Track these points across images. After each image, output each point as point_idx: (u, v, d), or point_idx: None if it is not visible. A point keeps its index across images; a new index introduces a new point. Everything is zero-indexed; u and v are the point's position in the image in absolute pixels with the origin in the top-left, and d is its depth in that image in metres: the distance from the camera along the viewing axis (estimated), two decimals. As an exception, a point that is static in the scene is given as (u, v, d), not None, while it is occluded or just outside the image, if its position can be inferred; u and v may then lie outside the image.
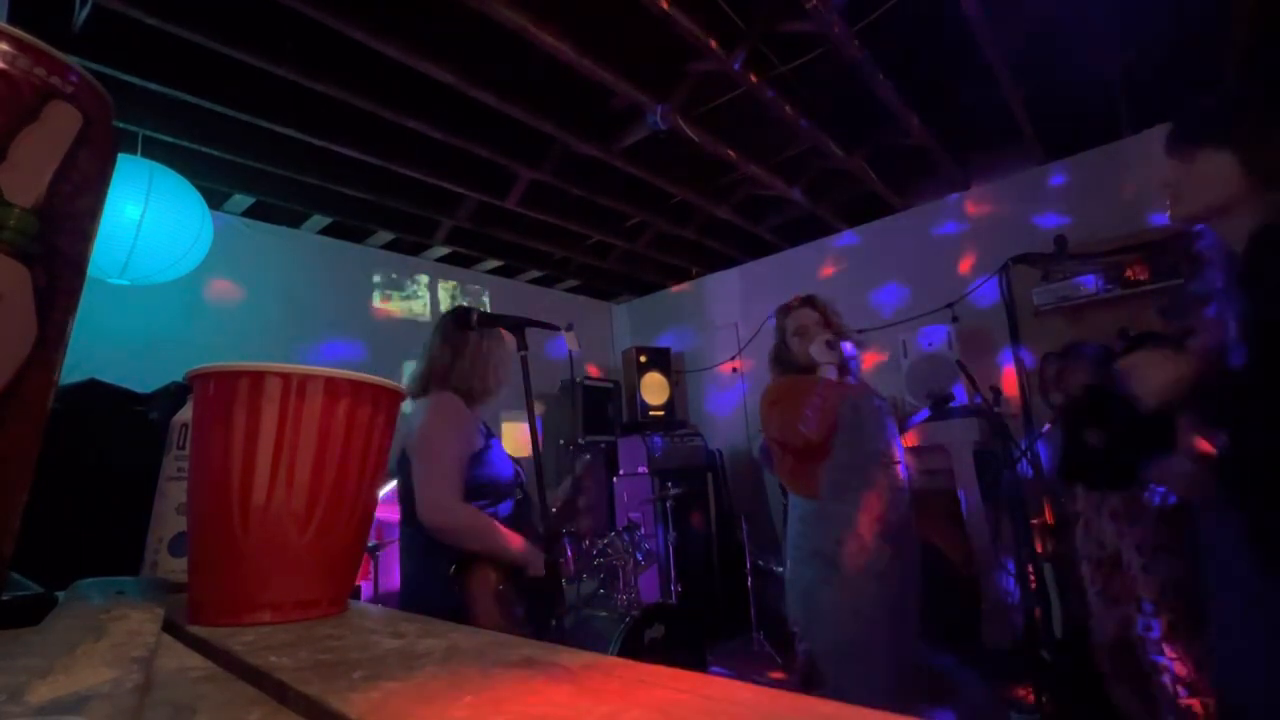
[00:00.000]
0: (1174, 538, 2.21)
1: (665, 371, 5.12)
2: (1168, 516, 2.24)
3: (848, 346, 2.16)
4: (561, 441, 4.97)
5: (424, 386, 1.71)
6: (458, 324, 1.75)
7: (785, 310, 2.29)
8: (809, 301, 2.27)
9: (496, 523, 1.58)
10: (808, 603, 2.02)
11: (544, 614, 1.62)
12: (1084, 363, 2.63)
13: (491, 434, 1.74)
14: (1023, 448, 3.09)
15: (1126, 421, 2.35)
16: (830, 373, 2.13)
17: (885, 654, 1.92)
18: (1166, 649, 2.16)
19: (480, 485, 1.63)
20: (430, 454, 1.56)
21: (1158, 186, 1.34)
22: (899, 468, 2.09)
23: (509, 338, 1.77)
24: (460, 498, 1.55)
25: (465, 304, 3.18)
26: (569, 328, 1.87)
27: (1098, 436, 2.50)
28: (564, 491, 2.06)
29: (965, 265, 4.05)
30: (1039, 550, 3.05)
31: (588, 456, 2.25)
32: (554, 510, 1.94)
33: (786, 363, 2.23)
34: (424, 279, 4.70)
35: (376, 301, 4.41)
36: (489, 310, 3.36)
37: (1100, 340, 2.84)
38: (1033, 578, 2.77)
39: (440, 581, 1.52)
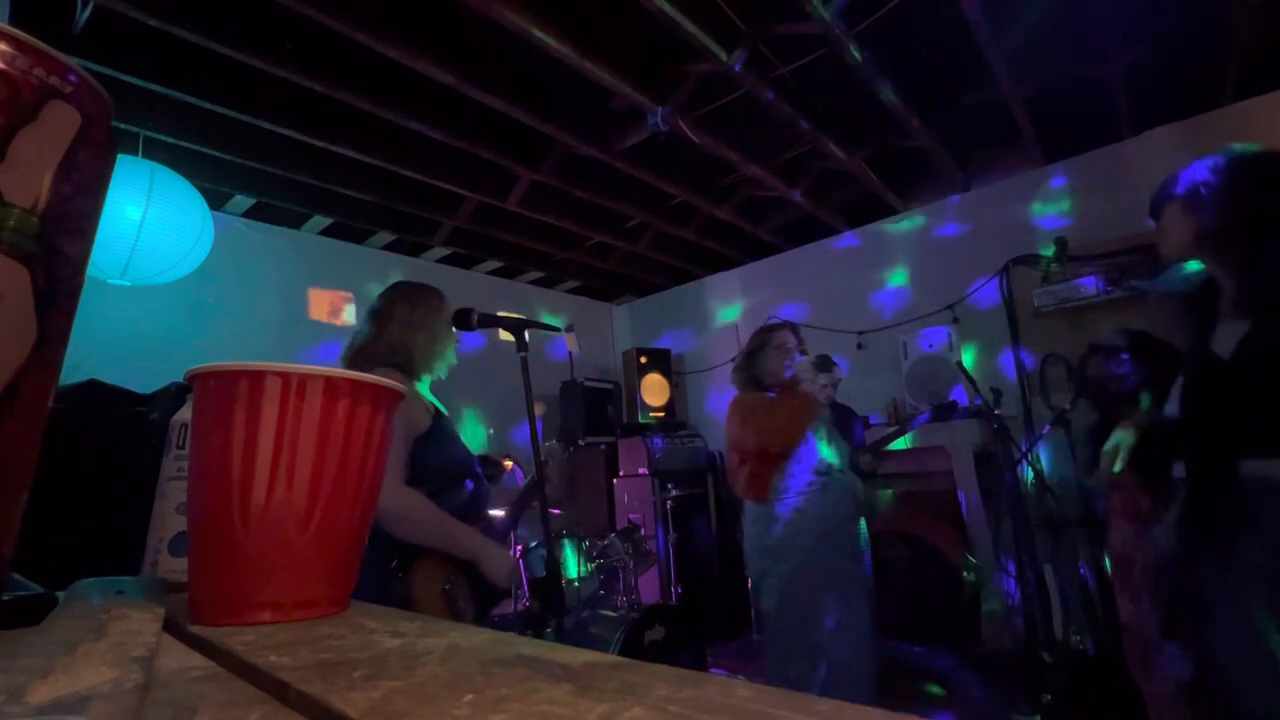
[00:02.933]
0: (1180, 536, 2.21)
1: (665, 373, 5.12)
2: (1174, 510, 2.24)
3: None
4: (561, 442, 4.97)
5: (352, 366, 1.54)
6: (402, 302, 1.64)
7: (770, 329, 2.54)
8: (789, 326, 2.56)
9: (443, 511, 1.44)
10: (761, 597, 2.31)
11: (491, 606, 1.55)
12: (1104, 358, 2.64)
13: (442, 413, 1.60)
14: (1023, 449, 3.09)
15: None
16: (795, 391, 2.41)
17: (834, 647, 2.11)
18: (1176, 647, 2.16)
19: (429, 469, 1.48)
20: None
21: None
22: (841, 476, 2.37)
23: (447, 306, 1.66)
24: (401, 479, 1.41)
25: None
26: (569, 329, 1.87)
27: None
28: (529, 481, 1.90)
29: (965, 267, 4.05)
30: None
31: (554, 440, 2.22)
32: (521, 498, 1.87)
33: (757, 378, 2.48)
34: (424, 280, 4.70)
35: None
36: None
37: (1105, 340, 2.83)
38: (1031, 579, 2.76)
39: (381, 578, 1.37)
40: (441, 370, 1.68)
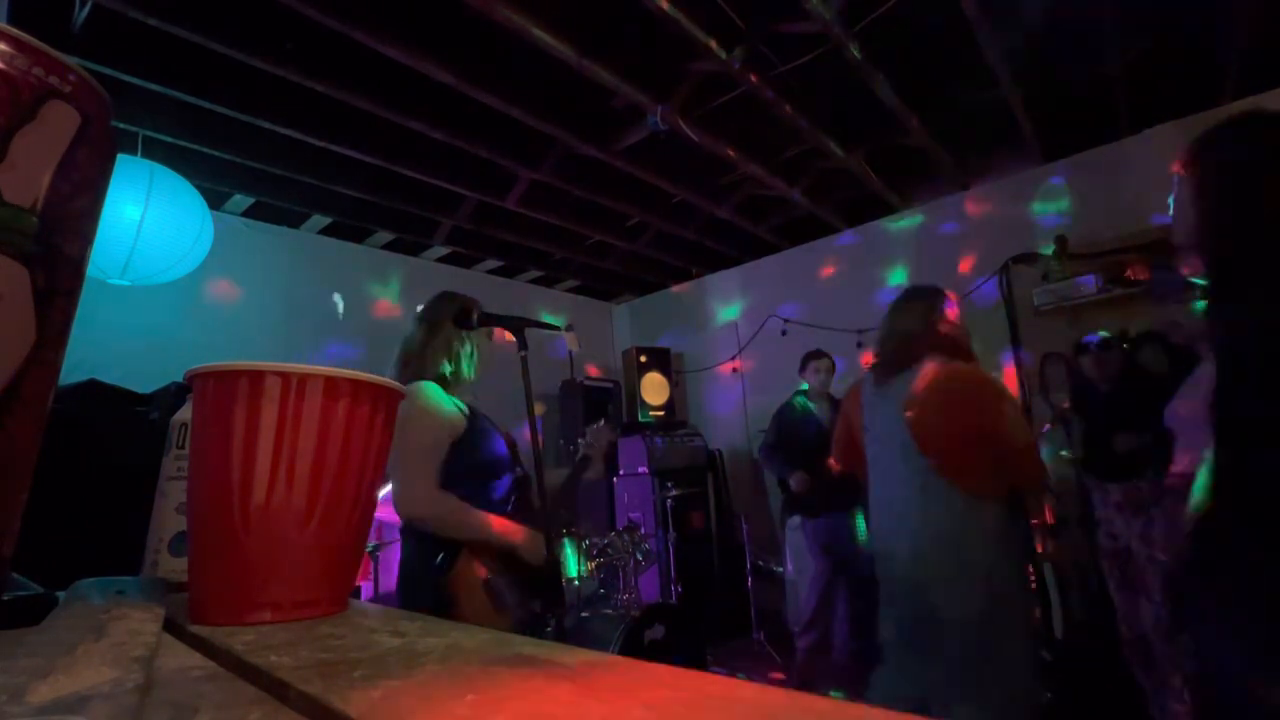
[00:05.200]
0: (1176, 528, 2.22)
1: (665, 371, 5.12)
2: (1168, 507, 2.25)
3: None
4: (562, 441, 4.97)
5: (401, 375, 1.67)
6: (440, 311, 1.72)
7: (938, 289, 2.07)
8: None
9: (476, 510, 1.53)
10: (985, 604, 1.81)
11: (539, 603, 1.59)
12: (1106, 356, 2.65)
13: (478, 414, 1.69)
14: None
15: (1122, 413, 2.36)
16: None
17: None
18: (1179, 642, 2.17)
19: (469, 468, 1.58)
20: (401, 444, 1.49)
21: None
22: None
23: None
24: (435, 486, 1.51)
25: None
26: (569, 328, 1.87)
27: (1107, 431, 2.51)
28: (569, 475, 2.01)
29: (965, 265, 4.05)
30: (1039, 550, 3.05)
31: (602, 422, 2.19)
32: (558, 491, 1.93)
33: (965, 350, 2.00)
34: (423, 279, 4.70)
35: (376, 301, 4.42)
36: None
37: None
38: (1033, 578, 2.77)
39: (428, 574, 1.49)
40: (473, 374, 1.78)
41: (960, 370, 1.94)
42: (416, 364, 1.67)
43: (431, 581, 1.48)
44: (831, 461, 2.33)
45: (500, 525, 1.56)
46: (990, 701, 1.73)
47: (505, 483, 1.66)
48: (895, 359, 2.02)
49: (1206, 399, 1.16)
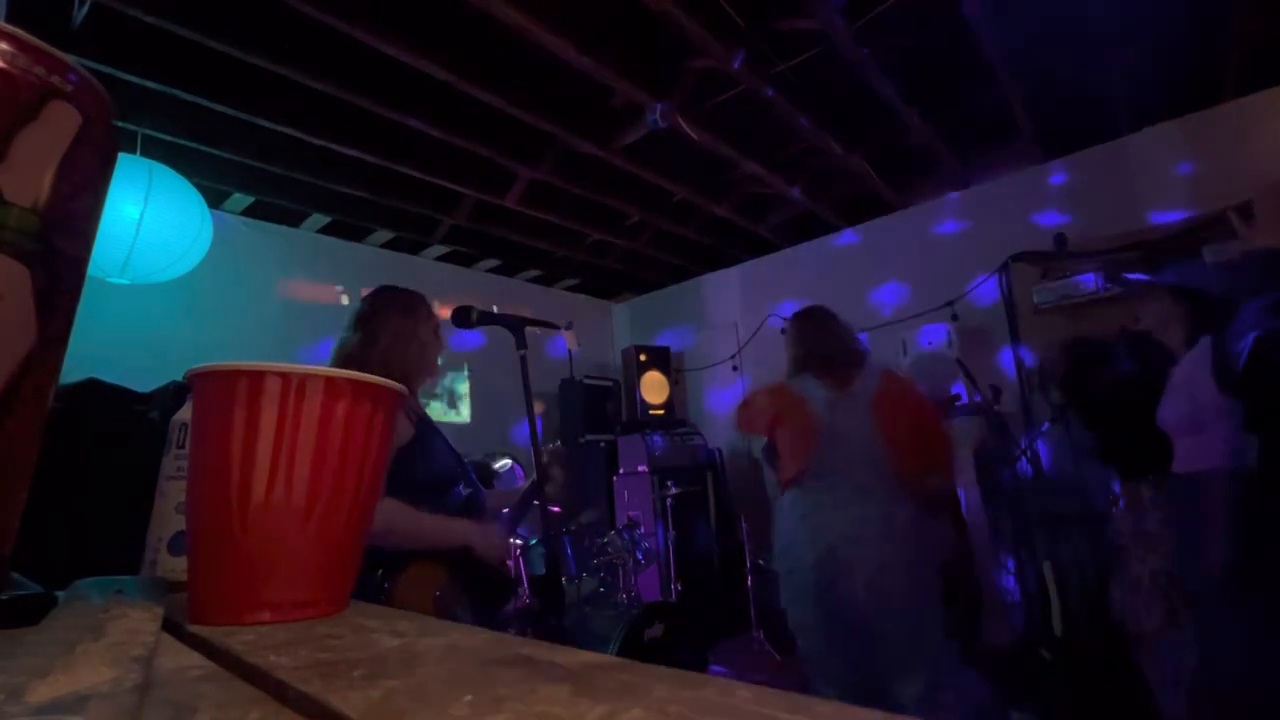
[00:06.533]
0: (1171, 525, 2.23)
1: (665, 370, 5.12)
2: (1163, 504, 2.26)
3: None
4: (559, 441, 4.97)
5: None
6: (382, 308, 1.60)
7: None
8: None
9: (424, 514, 1.41)
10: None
11: (492, 608, 1.52)
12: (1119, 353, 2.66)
13: (428, 422, 1.58)
14: (1023, 446, 3.09)
15: (1142, 409, 2.37)
16: None
17: None
18: (1178, 637, 2.17)
19: (415, 482, 1.45)
20: None
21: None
22: None
23: (435, 313, 1.62)
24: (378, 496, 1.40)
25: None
26: (568, 327, 1.86)
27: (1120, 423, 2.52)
28: (522, 496, 1.84)
29: (965, 263, 4.05)
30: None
31: (558, 442, 2.08)
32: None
33: None
34: (423, 278, 4.70)
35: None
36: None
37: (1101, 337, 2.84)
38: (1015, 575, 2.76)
39: (368, 589, 1.33)
40: (427, 376, 1.65)
41: (909, 381, 2.27)
42: (363, 364, 1.49)
43: (372, 599, 1.37)
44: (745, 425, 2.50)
45: (450, 526, 1.46)
46: (923, 681, 1.97)
47: (454, 499, 1.55)
48: (849, 366, 2.25)
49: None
